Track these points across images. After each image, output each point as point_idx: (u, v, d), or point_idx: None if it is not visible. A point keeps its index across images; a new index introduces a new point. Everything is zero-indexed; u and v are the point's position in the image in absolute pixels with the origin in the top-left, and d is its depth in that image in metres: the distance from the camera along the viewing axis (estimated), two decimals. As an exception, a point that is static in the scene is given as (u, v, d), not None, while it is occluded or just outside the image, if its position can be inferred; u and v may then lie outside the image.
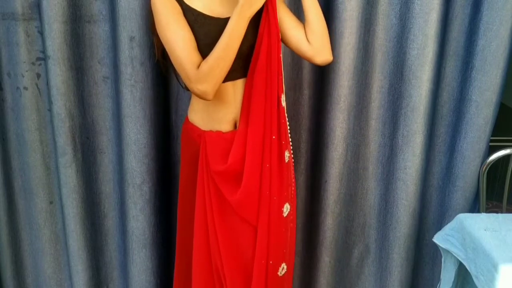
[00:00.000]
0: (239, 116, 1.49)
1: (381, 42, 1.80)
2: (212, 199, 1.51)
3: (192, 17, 1.40)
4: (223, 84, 1.44)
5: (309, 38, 1.48)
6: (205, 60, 1.36)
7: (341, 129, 1.84)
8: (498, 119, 1.83)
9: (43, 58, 1.79)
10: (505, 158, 1.87)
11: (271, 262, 1.51)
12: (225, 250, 1.51)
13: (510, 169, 1.89)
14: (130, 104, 1.76)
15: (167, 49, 1.40)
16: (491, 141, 1.85)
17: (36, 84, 1.85)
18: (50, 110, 1.82)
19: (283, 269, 1.55)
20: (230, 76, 1.43)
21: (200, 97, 1.39)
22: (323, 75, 1.83)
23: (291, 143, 1.54)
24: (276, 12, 1.42)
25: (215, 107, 1.50)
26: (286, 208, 1.53)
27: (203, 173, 1.52)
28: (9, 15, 1.76)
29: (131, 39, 1.70)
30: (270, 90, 1.44)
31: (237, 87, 1.48)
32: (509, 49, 1.74)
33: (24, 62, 1.82)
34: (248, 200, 1.47)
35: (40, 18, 1.72)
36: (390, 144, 1.89)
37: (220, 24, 1.38)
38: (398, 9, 1.76)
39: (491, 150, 1.86)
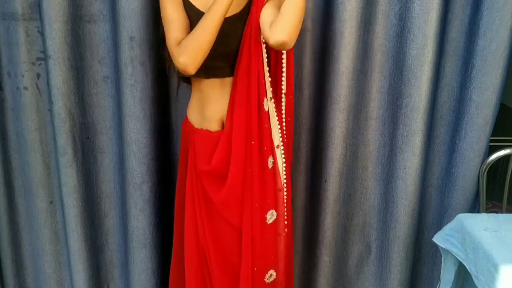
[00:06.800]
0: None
1: (380, 42, 1.80)
2: (200, 198, 1.51)
3: (191, 12, 1.42)
4: (211, 80, 1.46)
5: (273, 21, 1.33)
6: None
7: (340, 128, 1.84)
8: (498, 119, 1.83)
9: (43, 58, 1.79)
10: (505, 158, 1.86)
11: (255, 269, 1.50)
12: (213, 250, 1.52)
13: (510, 169, 1.89)
14: (130, 104, 1.76)
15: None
16: (491, 141, 1.85)
17: (36, 84, 1.85)
18: (50, 110, 1.82)
19: (271, 276, 1.55)
20: (218, 73, 1.44)
21: (182, 71, 1.38)
22: (323, 75, 1.83)
23: (282, 147, 1.52)
24: (260, 15, 1.38)
25: (204, 105, 1.51)
26: (271, 215, 1.51)
27: (192, 171, 1.53)
28: (9, 15, 1.76)
29: (131, 39, 1.70)
30: (251, 94, 1.44)
31: (225, 85, 1.49)
32: (509, 49, 1.74)
33: (24, 62, 1.82)
34: (231, 201, 1.48)
35: (40, 18, 1.72)
36: (389, 144, 1.89)
37: None
38: (398, 9, 1.76)
39: (491, 150, 1.85)
